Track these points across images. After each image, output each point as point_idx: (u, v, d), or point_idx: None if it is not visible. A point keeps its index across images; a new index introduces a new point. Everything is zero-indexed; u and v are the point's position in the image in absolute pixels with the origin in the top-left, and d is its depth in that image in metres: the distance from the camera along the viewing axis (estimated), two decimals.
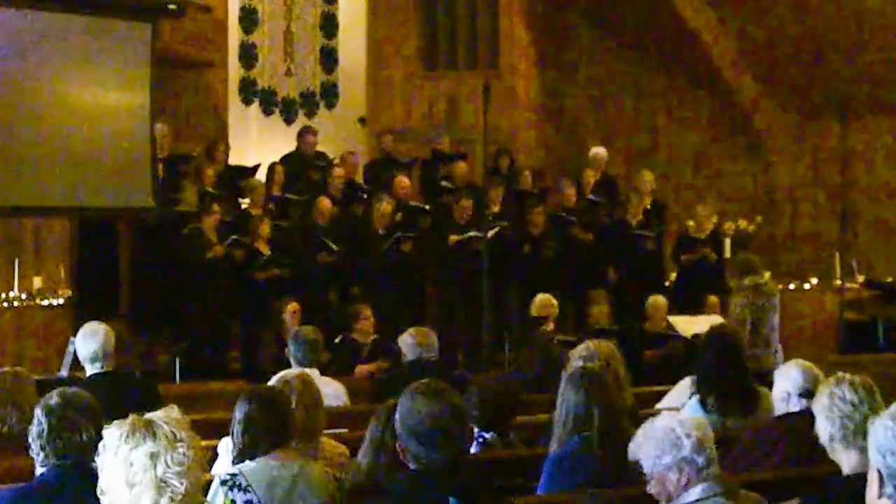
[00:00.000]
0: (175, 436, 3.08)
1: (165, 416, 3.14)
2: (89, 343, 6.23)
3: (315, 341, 7.32)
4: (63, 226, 11.21)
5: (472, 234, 11.78)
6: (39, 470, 4.05)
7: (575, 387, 4.97)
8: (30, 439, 4.06)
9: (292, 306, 10.17)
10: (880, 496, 3.07)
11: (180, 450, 3.06)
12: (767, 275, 9.21)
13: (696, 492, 3.71)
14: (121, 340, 6.54)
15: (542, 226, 12.43)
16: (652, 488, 3.78)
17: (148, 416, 3.14)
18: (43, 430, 4.02)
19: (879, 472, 3.07)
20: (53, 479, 3.99)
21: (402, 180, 12.59)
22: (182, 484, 3.04)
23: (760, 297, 8.69)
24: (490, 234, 10.65)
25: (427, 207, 12.58)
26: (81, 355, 6.27)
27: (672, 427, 3.77)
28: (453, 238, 11.96)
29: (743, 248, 12.49)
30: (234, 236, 11.16)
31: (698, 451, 3.72)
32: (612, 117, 15.64)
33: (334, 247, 11.47)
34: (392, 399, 4.39)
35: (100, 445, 3.11)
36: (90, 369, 6.28)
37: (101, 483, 3.08)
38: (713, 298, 11.43)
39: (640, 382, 7.86)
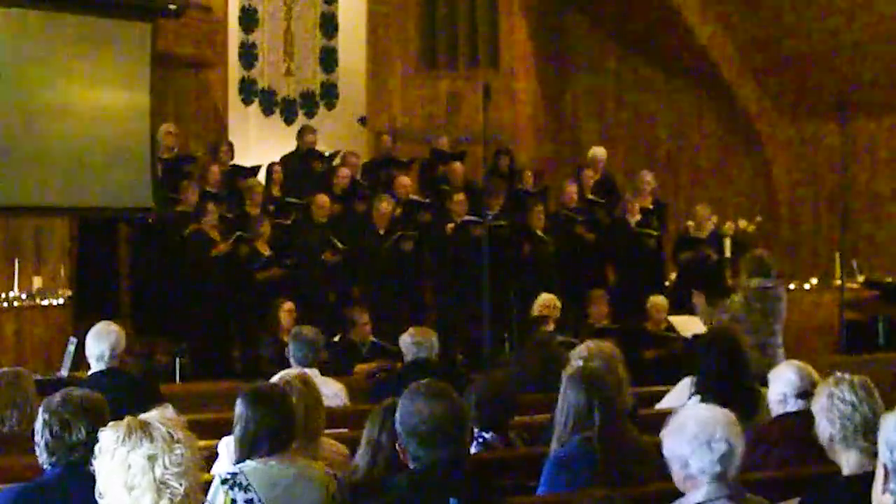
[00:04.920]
0: (172, 437, 3.07)
1: (160, 417, 3.14)
2: (100, 342, 6.23)
3: (315, 341, 7.32)
4: (63, 226, 11.22)
5: (468, 217, 11.81)
6: (45, 469, 4.06)
7: (575, 387, 4.97)
8: (35, 437, 4.07)
9: (287, 305, 10.18)
10: (884, 491, 3.08)
11: (178, 451, 3.06)
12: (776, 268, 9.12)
13: (701, 493, 3.69)
14: None
15: (543, 225, 12.44)
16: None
17: (143, 416, 3.13)
18: (39, 428, 4.03)
19: (886, 466, 3.08)
20: (53, 478, 4.00)
21: (404, 180, 12.62)
22: (181, 485, 3.04)
23: (762, 301, 8.64)
24: (489, 219, 10.70)
25: (427, 201, 12.60)
26: (90, 353, 6.28)
27: (710, 434, 3.69)
28: (450, 225, 11.98)
29: (743, 249, 12.49)
30: (238, 233, 11.18)
31: (723, 462, 3.67)
32: (612, 117, 15.64)
33: (340, 245, 11.49)
34: (391, 399, 4.39)
35: (96, 448, 3.11)
36: (95, 368, 6.28)
37: (100, 485, 3.08)
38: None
39: (640, 382, 7.84)
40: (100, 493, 3.08)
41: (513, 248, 12.23)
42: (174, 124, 12.17)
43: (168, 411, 3.20)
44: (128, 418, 3.12)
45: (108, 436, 3.09)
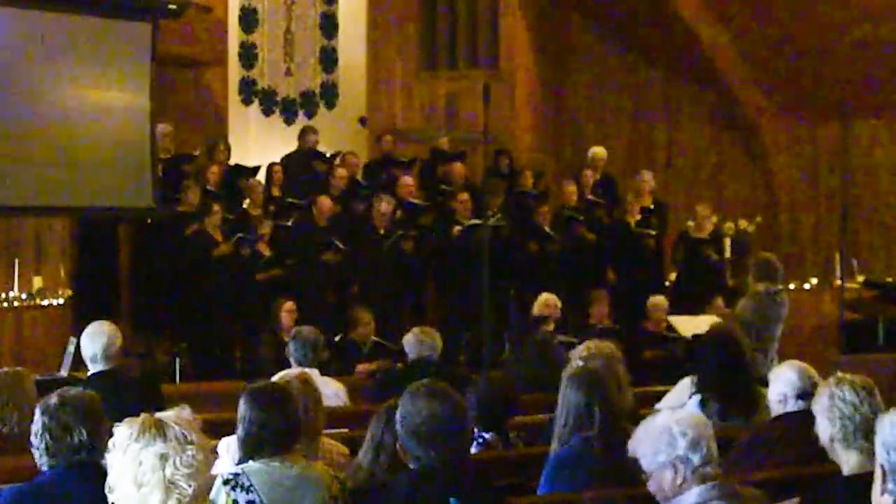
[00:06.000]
0: (185, 437, 3.08)
1: (176, 417, 3.14)
2: (94, 342, 6.22)
3: (315, 341, 7.32)
4: (63, 226, 11.21)
5: (473, 221, 11.83)
6: (43, 470, 4.06)
7: (575, 387, 4.97)
8: (31, 439, 4.07)
9: (288, 305, 10.20)
10: (882, 492, 3.08)
11: (190, 452, 3.06)
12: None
13: (692, 494, 3.66)
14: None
15: (549, 224, 12.46)
16: (651, 486, 3.77)
17: (159, 415, 3.14)
18: (38, 431, 4.03)
19: (883, 467, 3.08)
20: (52, 479, 4.00)
21: (407, 180, 12.62)
22: (190, 486, 3.04)
23: (770, 306, 8.64)
24: (491, 220, 10.70)
25: (428, 204, 12.60)
26: (84, 354, 6.26)
27: (668, 425, 3.71)
28: (457, 228, 12.01)
29: (743, 249, 12.49)
30: (240, 234, 11.20)
31: (693, 449, 3.66)
32: (612, 117, 15.64)
33: (341, 245, 11.50)
34: (393, 399, 4.39)
35: (110, 443, 3.12)
36: (92, 369, 6.27)
37: (110, 480, 3.10)
38: (719, 301, 11.41)
39: (640, 382, 7.85)
40: (109, 488, 3.09)
41: (515, 247, 12.23)
42: (170, 124, 12.16)
43: (185, 412, 3.20)
44: (143, 416, 3.13)
45: (123, 431, 3.10)
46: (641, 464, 3.74)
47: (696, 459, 3.67)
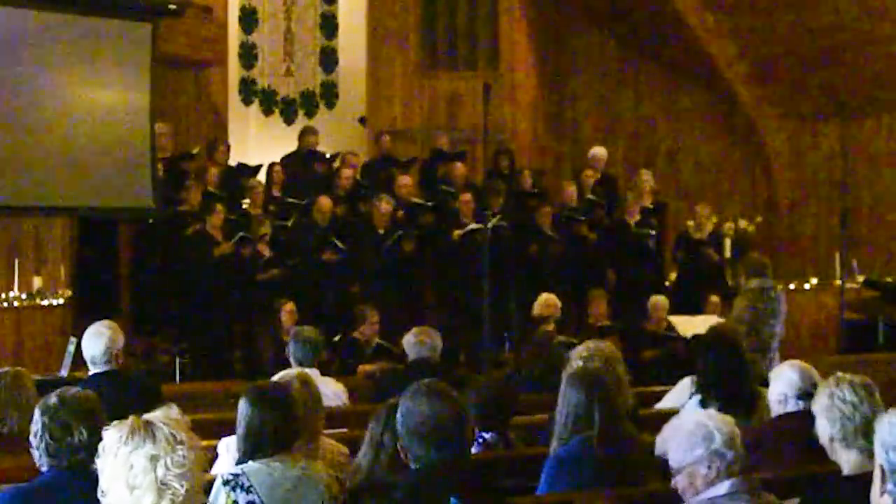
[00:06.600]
0: (175, 437, 3.07)
1: (164, 417, 3.14)
2: (94, 343, 6.21)
3: (315, 341, 7.32)
4: (63, 226, 11.22)
5: (472, 226, 11.81)
6: (42, 471, 4.05)
7: (575, 387, 4.97)
8: (31, 439, 4.06)
9: (289, 306, 10.20)
10: (882, 493, 3.08)
11: (180, 452, 3.06)
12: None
13: (723, 487, 3.75)
14: None
15: (549, 224, 12.46)
16: (678, 483, 3.80)
17: (147, 416, 3.13)
18: (38, 431, 4.02)
19: (882, 467, 3.08)
20: (52, 479, 3.99)
21: (405, 179, 12.62)
22: (183, 486, 3.04)
23: (763, 301, 8.65)
24: (490, 224, 10.69)
25: (428, 204, 12.60)
26: (85, 354, 6.26)
27: (704, 422, 3.83)
28: (457, 232, 12.00)
29: (743, 249, 12.49)
30: (241, 233, 11.20)
31: (728, 445, 3.77)
32: (612, 117, 15.65)
33: (341, 245, 11.50)
34: (395, 398, 4.39)
35: (100, 447, 3.11)
36: (92, 369, 6.27)
37: (102, 484, 3.09)
38: (714, 298, 11.43)
39: (640, 382, 7.85)
40: (102, 492, 3.09)
41: (515, 248, 12.22)
42: (168, 124, 12.17)
43: (172, 411, 3.20)
44: (131, 418, 3.12)
45: (112, 435, 3.09)
46: (672, 460, 3.79)
47: (729, 455, 3.78)
